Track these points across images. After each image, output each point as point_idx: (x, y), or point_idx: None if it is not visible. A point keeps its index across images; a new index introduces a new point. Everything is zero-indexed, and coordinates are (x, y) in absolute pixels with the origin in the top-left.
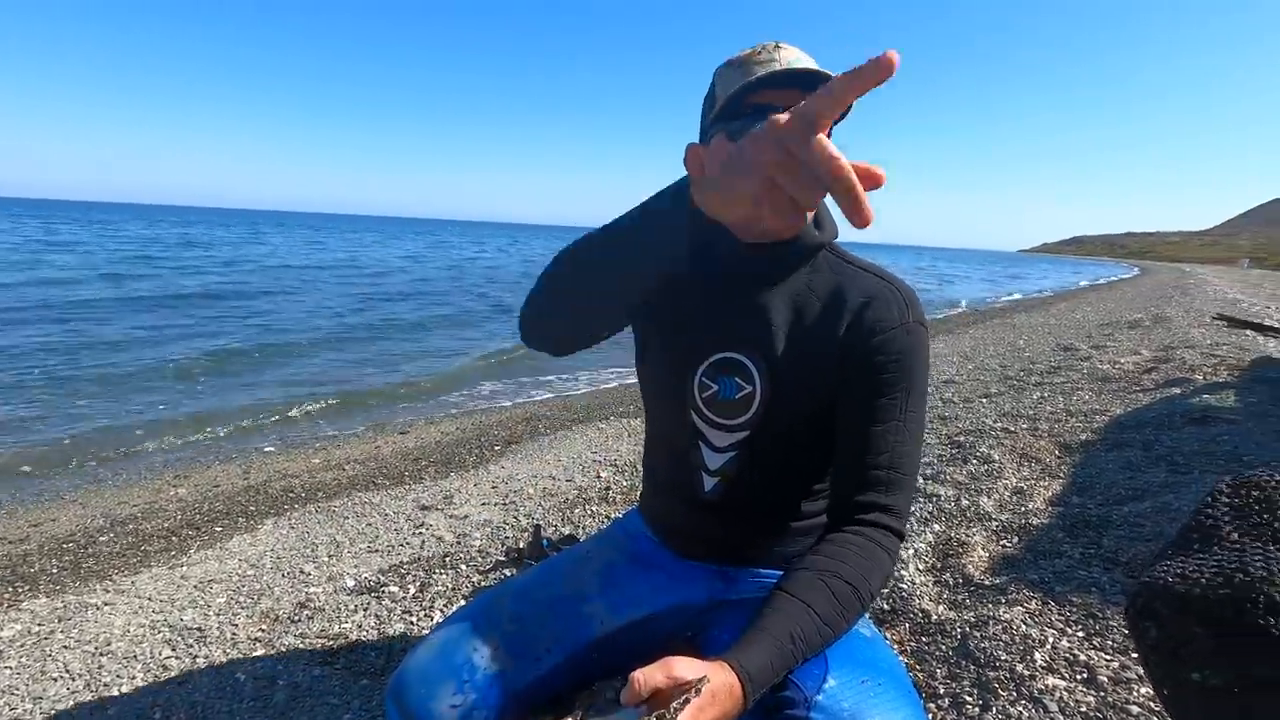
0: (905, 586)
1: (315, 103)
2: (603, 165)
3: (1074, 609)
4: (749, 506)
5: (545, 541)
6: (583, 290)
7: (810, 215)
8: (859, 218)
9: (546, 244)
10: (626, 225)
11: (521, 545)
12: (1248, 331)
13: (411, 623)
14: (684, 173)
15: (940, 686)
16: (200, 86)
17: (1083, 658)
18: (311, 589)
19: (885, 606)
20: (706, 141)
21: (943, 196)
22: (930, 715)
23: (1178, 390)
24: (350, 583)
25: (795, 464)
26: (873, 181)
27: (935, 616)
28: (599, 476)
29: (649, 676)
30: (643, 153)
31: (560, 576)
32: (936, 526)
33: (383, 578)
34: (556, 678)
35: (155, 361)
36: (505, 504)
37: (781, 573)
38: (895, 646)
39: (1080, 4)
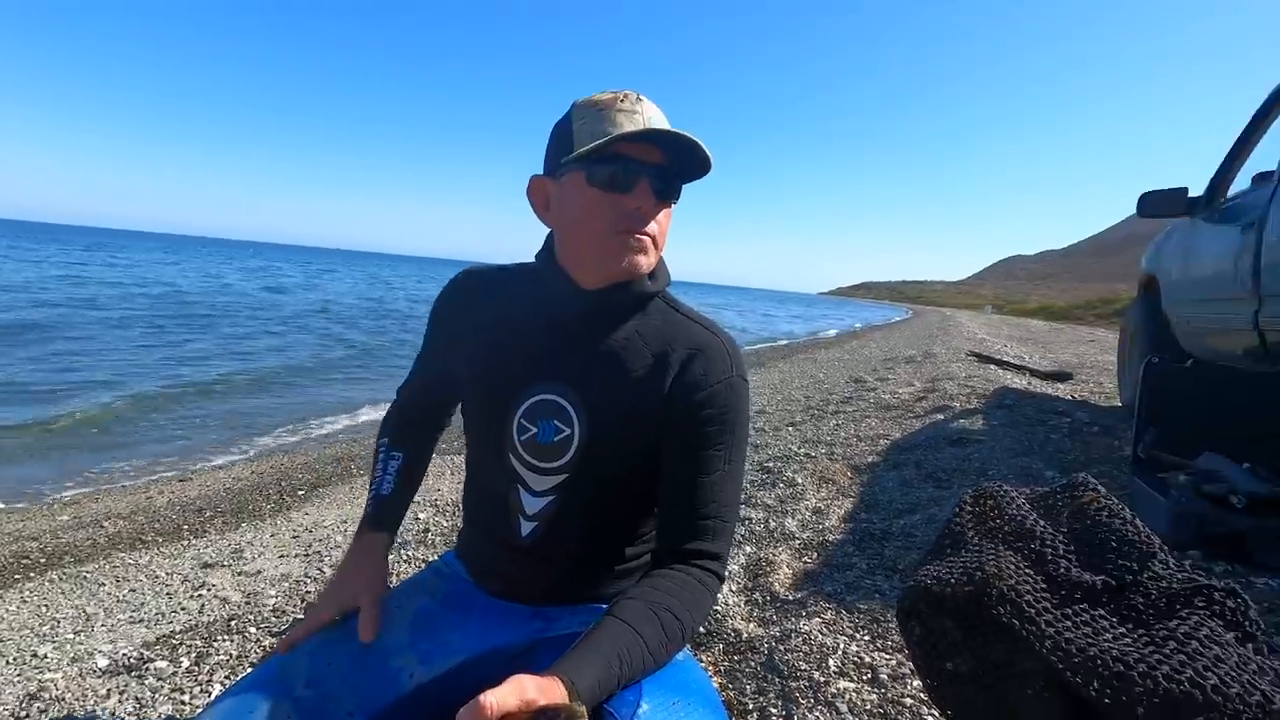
0: (720, 608)
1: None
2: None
3: (861, 615)
4: (567, 551)
5: None
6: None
7: (649, 266)
8: None
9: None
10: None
11: None
12: (992, 366)
13: (183, 702)
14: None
15: (750, 702)
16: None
17: (868, 659)
18: (48, 675)
19: (701, 629)
20: (556, 174)
21: (754, 243)
22: None
23: (941, 416)
24: (103, 662)
25: (614, 509)
26: None
27: (746, 635)
28: (417, 518)
29: (502, 699)
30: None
31: None
32: (748, 548)
33: (147, 652)
34: None
35: None
36: (307, 555)
37: (602, 609)
38: (710, 667)
39: (864, 75)
